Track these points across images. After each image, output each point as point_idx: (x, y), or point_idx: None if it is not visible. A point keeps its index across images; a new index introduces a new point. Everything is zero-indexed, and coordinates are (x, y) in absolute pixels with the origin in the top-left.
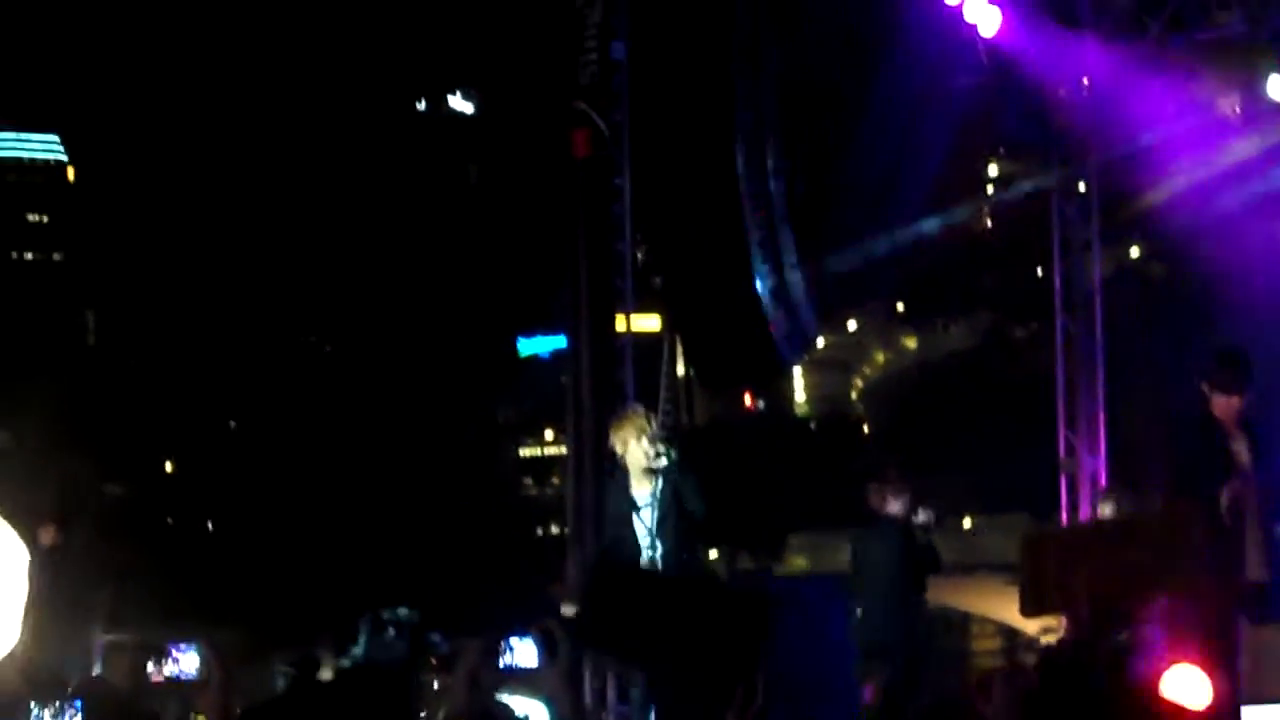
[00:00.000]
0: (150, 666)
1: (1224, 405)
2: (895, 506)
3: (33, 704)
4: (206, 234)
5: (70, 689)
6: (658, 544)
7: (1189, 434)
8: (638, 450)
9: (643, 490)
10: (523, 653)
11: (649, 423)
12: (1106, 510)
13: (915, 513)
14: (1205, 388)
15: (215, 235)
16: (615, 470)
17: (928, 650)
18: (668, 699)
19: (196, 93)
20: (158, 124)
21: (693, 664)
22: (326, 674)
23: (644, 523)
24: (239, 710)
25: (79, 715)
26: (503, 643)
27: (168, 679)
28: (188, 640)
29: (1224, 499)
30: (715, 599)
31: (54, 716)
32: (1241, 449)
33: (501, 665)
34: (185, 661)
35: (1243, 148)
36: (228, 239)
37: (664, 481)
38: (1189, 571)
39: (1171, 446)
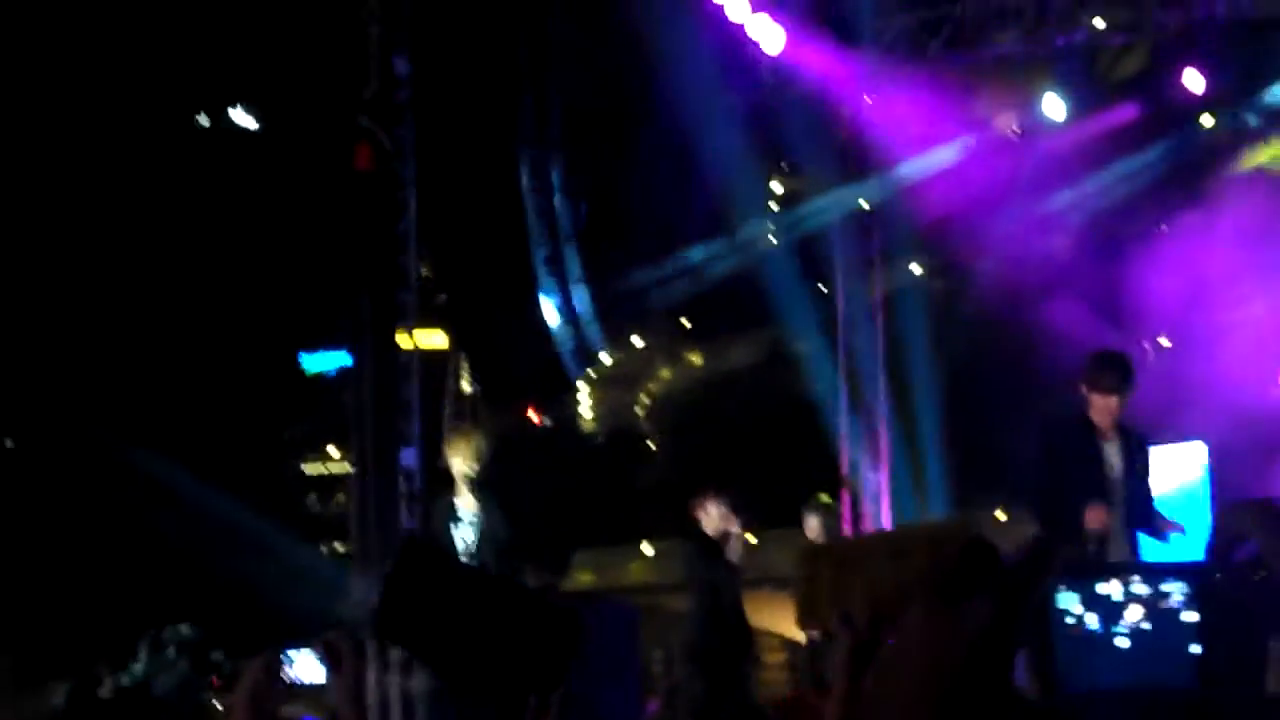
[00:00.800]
0: None
1: (1101, 406)
2: (712, 524)
3: None
4: None
5: None
6: (474, 561)
7: (1061, 437)
8: (463, 466)
9: (468, 507)
10: (305, 668)
11: (480, 439)
12: (812, 522)
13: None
14: (1083, 389)
15: None
16: (440, 484)
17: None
18: (460, 704)
19: None
20: None
21: (494, 671)
22: (106, 693)
23: (463, 540)
24: None
25: None
26: (283, 657)
27: None
28: None
29: (1088, 521)
30: (528, 607)
31: None
32: (1114, 453)
33: (285, 681)
34: None
35: (1020, 165)
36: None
37: (485, 500)
38: (937, 591)
39: (1037, 452)
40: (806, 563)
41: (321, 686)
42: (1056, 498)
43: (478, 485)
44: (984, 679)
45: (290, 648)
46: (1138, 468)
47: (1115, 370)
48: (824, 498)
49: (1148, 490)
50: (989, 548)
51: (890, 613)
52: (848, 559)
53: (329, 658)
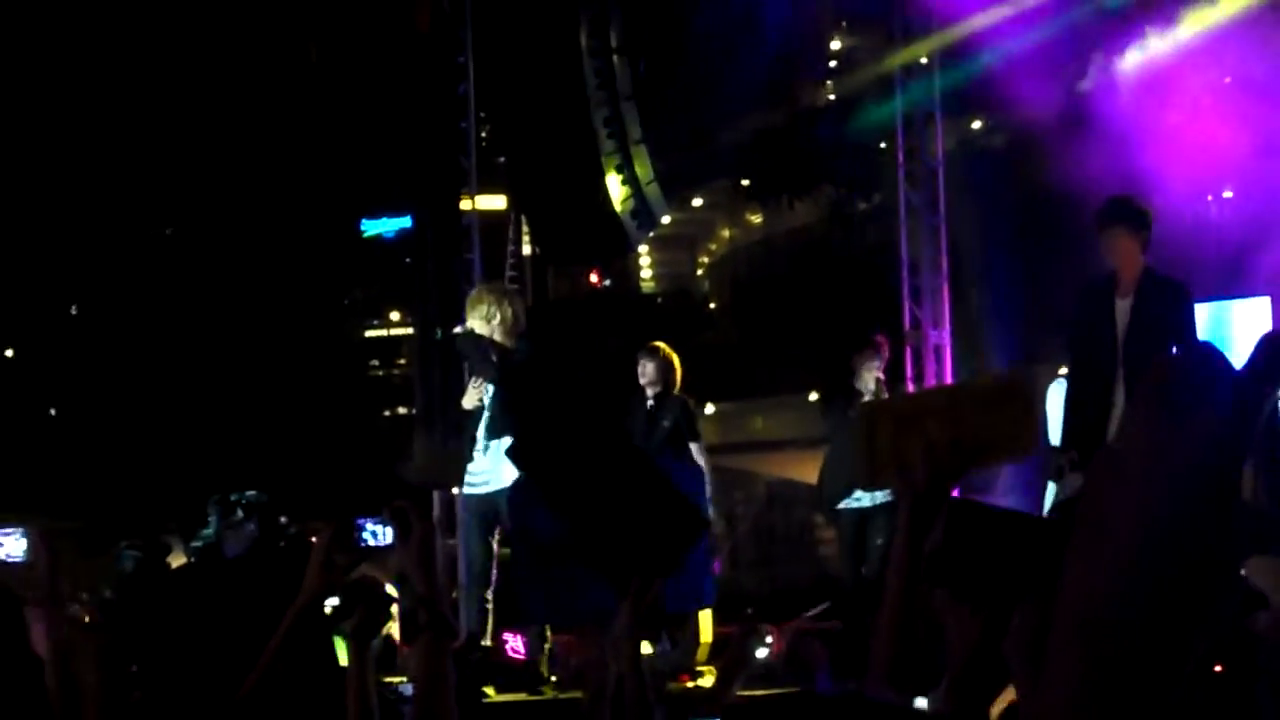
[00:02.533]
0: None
1: (1106, 250)
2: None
3: None
4: (45, 116)
5: None
6: (494, 417)
7: (1086, 294)
8: (481, 327)
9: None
10: (379, 534)
11: (503, 306)
12: (869, 366)
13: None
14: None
15: (55, 117)
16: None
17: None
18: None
19: None
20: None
21: (614, 541)
22: (177, 558)
23: (481, 400)
24: (82, 595)
25: None
26: (357, 524)
27: None
28: (12, 525)
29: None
30: (662, 492)
31: None
32: (1124, 310)
33: (355, 547)
34: (10, 545)
35: (1084, 18)
36: (67, 119)
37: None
38: (1025, 439)
39: (1072, 311)
40: (865, 422)
41: (389, 548)
42: (1074, 361)
43: (465, 342)
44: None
45: (364, 517)
46: (1147, 323)
47: (1106, 206)
48: (875, 340)
49: (1154, 347)
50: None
51: (950, 470)
52: (907, 417)
53: (396, 524)
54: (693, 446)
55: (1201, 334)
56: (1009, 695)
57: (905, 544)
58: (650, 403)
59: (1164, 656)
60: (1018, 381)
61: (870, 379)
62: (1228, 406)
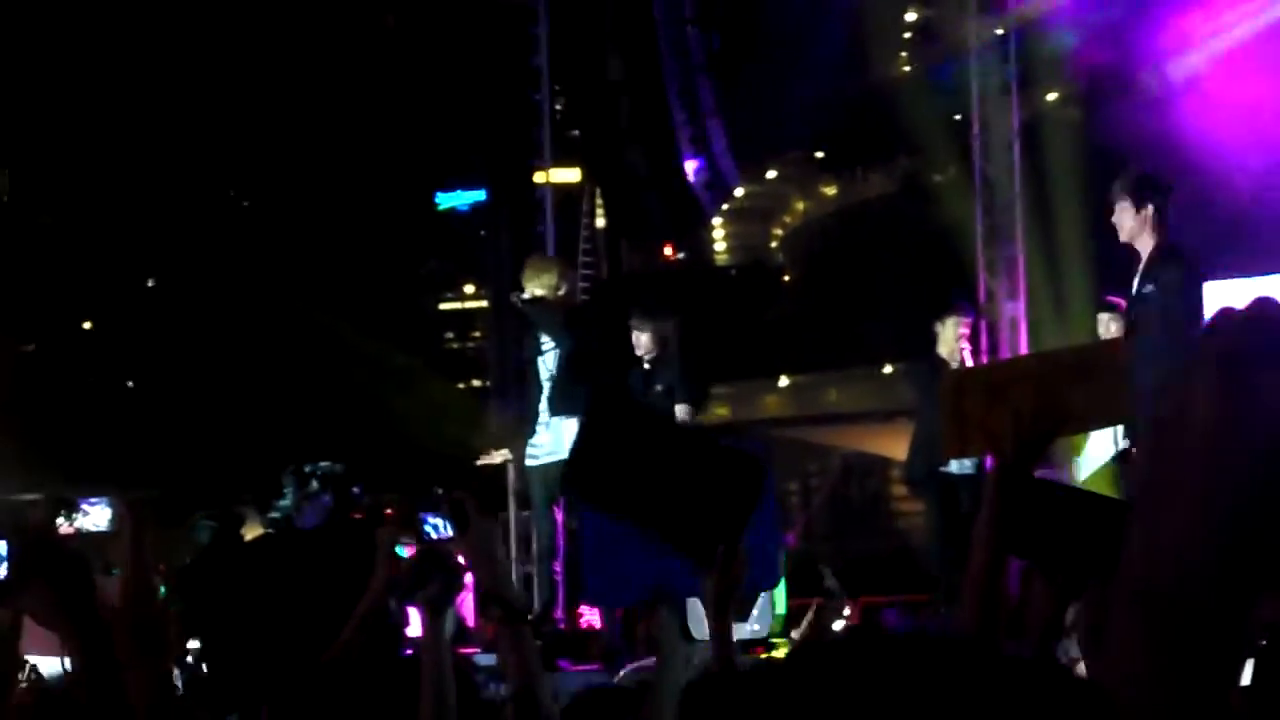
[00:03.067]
0: (60, 521)
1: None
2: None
3: None
4: (122, 85)
5: None
6: (557, 386)
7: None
8: (537, 289)
9: (546, 334)
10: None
11: (567, 276)
12: (948, 333)
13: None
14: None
15: (131, 86)
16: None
17: None
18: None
19: None
20: None
21: (687, 524)
22: (252, 529)
23: (546, 366)
24: (160, 565)
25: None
26: (421, 516)
27: (77, 532)
28: (98, 495)
29: None
30: (715, 454)
31: None
32: (1135, 283)
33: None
34: (96, 515)
35: None
36: (144, 88)
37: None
38: (1116, 407)
39: None
40: (952, 392)
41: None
42: None
43: (537, 308)
44: None
45: (426, 510)
46: (1145, 295)
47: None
48: (955, 308)
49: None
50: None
51: (1038, 439)
52: (993, 387)
53: (454, 518)
54: (678, 408)
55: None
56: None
57: (992, 514)
58: (646, 367)
59: (1228, 630)
60: (1111, 350)
61: (954, 345)
62: None
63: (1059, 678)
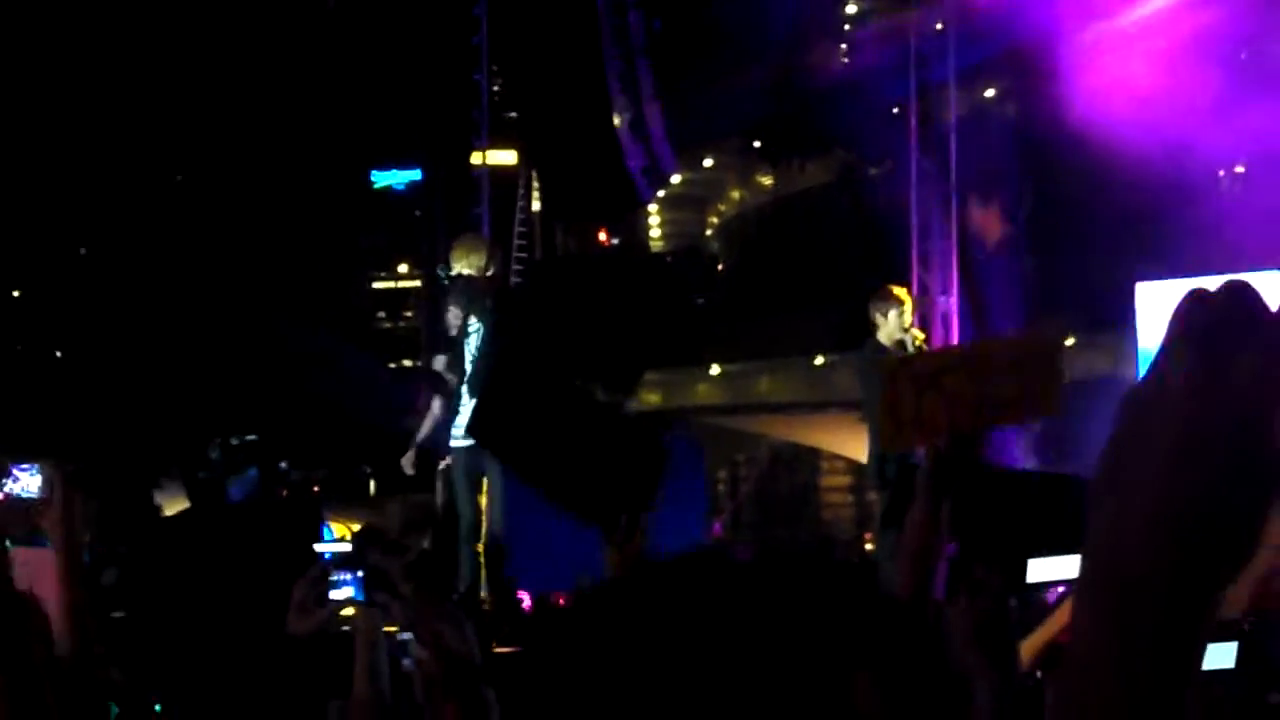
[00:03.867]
0: None
1: None
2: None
3: None
4: (52, 53)
5: None
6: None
7: None
8: (467, 269)
9: (458, 317)
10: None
11: (493, 259)
12: (890, 316)
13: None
14: None
15: (61, 54)
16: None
17: None
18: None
19: None
20: None
21: (589, 489)
22: (176, 501)
23: (470, 347)
24: (87, 534)
25: None
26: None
27: (7, 496)
28: (29, 460)
29: None
30: (619, 427)
31: None
32: None
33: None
34: (26, 480)
35: None
36: (75, 57)
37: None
38: (1048, 399)
39: None
40: (889, 382)
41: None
42: None
43: (468, 286)
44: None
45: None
46: None
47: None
48: (896, 290)
49: None
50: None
51: (973, 429)
52: (928, 375)
53: (366, 584)
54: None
55: None
56: (1042, 636)
57: (925, 503)
58: None
59: (1194, 617)
60: (1044, 341)
61: (894, 332)
62: (1267, 348)
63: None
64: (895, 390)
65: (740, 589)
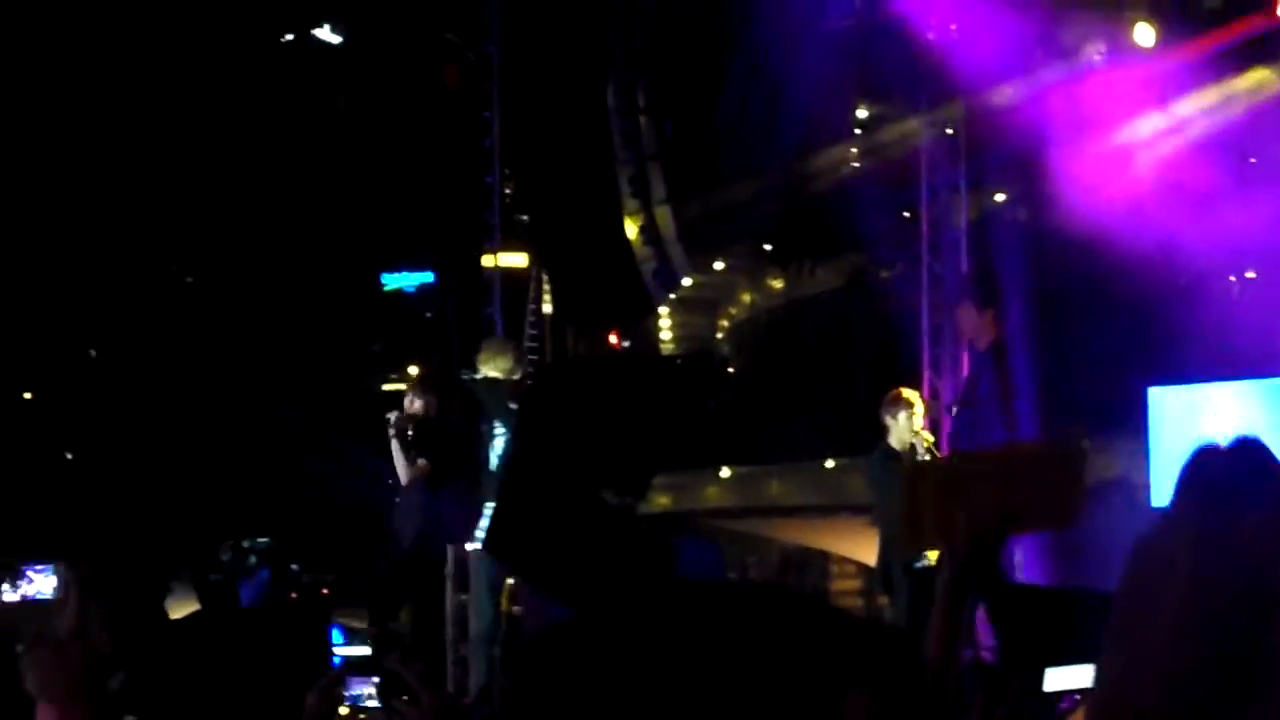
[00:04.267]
0: (5, 587)
1: None
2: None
3: None
4: (66, 157)
5: None
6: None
7: None
8: (492, 373)
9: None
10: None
11: (520, 363)
12: (899, 419)
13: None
14: None
15: (76, 159)
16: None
17: None
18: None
19: (58, 17)
20: (18, 43)
21: (594, 593)
22: (186, 604)
23: (494, 450)
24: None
25: None
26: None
27: (22, 600)
28: (44, 562)
29: None
30: (629, 533)
31: None
32: None
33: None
34: (40, 583)
35: (1108, 93)
36: (89, 163)
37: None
38: (1067, 509)
39: None
40: (909, 484)
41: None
42: None
43: (491, 391)
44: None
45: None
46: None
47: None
48: (906, 392)
49: None
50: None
51: (993, 536)
52: (952, 480)
53: (383, 690)
54: None
55: (1228, 415)
56: None
57: (945, 609)
58: None
59: None
60: (1068, 451)
61: (905, 434)
62: (1272, 501)
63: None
64: (917, 492)
65: (745, 610)
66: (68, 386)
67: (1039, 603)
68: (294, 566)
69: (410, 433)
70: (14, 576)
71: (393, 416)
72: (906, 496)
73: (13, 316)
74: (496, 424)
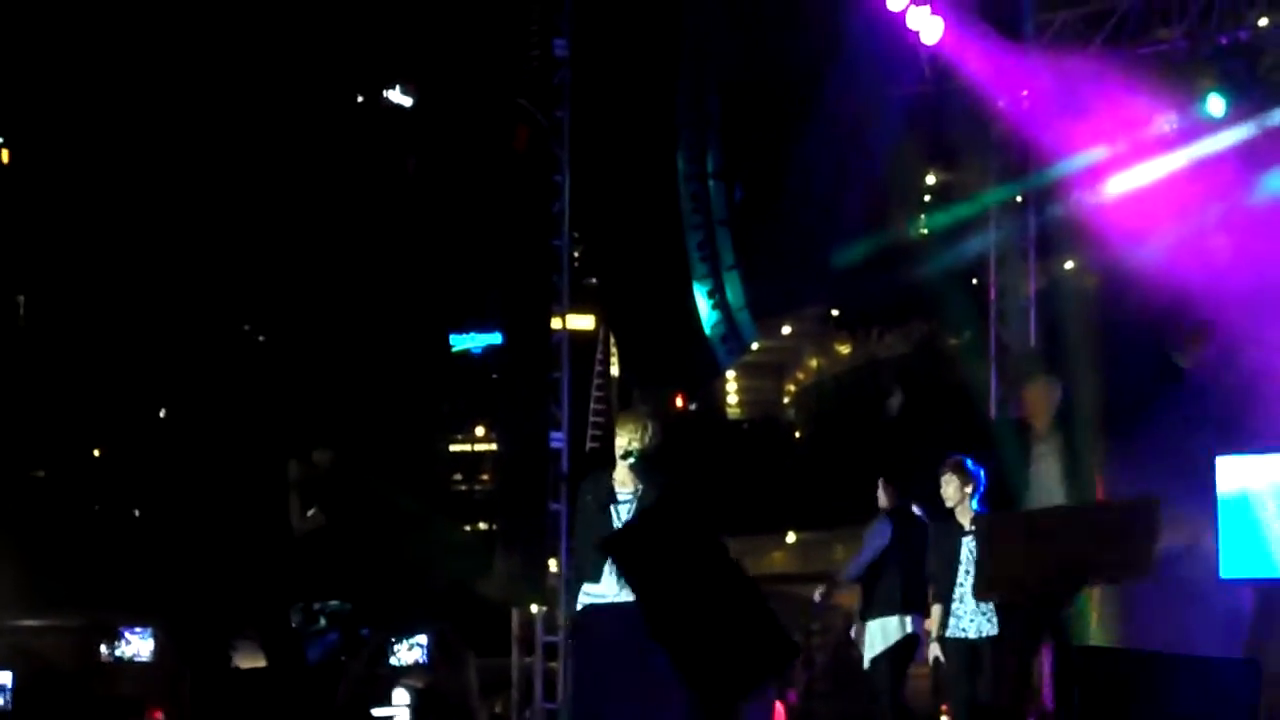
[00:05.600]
0: (102, 648)
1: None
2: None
3: None
4: (140, 220)
5: None
6: None
7: None
8: (627, 443)
9: (626, 486)
10: (409, 654)
11: (646, 430)
12: (951, 485)
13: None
14: None
15: (149, 221)
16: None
17: None
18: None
19: (132, 80)
20: (93, 109)
21: (705, 662)
22: (249, 660)
23: (618, 517)
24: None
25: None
26: (391, 642)
27: (118, 660)
28: (142, 623)
29: None
30: (759, 613)
31: None
32: None
33: (392, 663)
34: (138, 644)
35: (1178, 164)
36: (161, 225)
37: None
38: (1138, 565)
39: None
40: (996, 532)
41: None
42: None
43: (640, 462)
44: None
45: (404, 632)
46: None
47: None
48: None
49: None
50: None
51: (1063, 590)
52: (1040, 530)
53: (438, 647)
54: None
55: None
56: None
57: (1015, 660)
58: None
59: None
60: (1140, 504)
61: (956, 501)
62: None
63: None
64: (1003, 541)
65: None
66: (137, 444)
67: (1112, 664)
68: (364, 631)
69: (306, 485)
70: (112, 637)
71: (292, 465)
72: (991, 543)
73: (85, 374)
74: (621, 492)
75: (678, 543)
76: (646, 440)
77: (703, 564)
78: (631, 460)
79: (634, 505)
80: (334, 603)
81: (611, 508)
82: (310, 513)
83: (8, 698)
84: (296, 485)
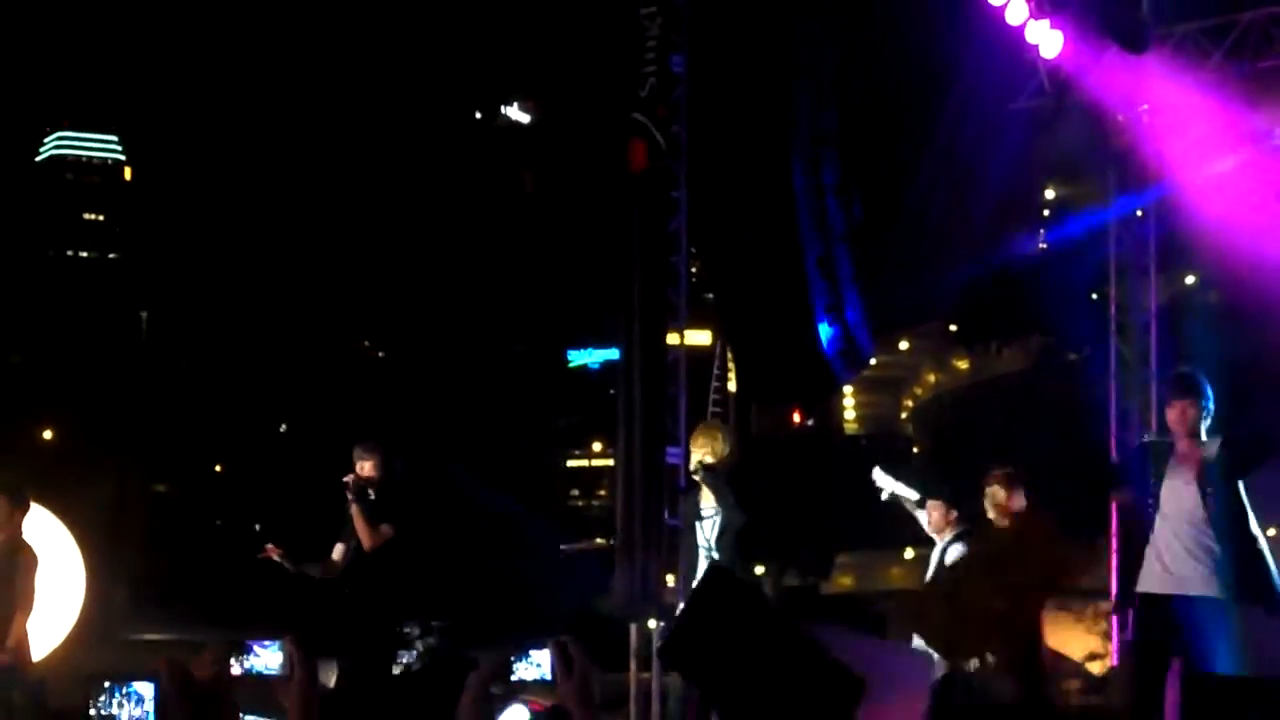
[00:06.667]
0: (232, 662)
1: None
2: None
3: (106, 682)
4: (262, 237)
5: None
6: (714, 554)
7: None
8: (702, 456)
9: (708, 501)
10: (531, 670)
11: (724, 434)
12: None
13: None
14: None
15: (271, 238)
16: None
17: None
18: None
19: (256, 98)
20: (215, 126)
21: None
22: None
23: (704, 533)
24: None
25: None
26: (514, 659)
27: (246, 674)
28: (271, 637)
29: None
30: (818, 665)
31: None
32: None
33: (513, 679)
34: (267, 657)
35: None
36: (283, 242)
37: (721, 492)
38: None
39: None
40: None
41: (550, 682)
42: None
43: (715, 477)
44: None
45: (526, 648)
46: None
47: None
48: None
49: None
50: None
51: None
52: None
53: (560, 660)
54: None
55: None
56: None
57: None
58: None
59: None
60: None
61: (997, 506)
62: None
63: None
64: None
65: None
66: (257, 460)
67: (1236, 693)
68: (468, 651)
69: (372, 497)
70: (240, 651)
71: (350, 480)
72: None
73: (208, 390)
74: (705, 507)
75: (727, 632)
76: (719, 454)
77: (757, 643)
78: (700, 474)
79: (716, 520)
80: (437, 622)
81: (696, 524)
82: (383, 527)
83: (148, 710)
84: (360, 499)
